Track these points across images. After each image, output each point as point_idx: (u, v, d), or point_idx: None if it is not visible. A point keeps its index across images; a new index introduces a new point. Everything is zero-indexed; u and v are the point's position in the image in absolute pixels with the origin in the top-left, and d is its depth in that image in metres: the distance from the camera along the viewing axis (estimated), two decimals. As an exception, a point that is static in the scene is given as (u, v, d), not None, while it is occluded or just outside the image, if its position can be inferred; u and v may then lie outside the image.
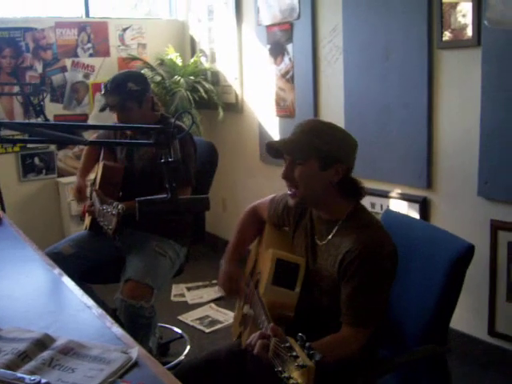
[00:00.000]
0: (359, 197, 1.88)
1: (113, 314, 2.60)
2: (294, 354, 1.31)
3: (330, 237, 1.85)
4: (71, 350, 1.44)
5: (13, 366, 1.34)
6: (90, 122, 4.89)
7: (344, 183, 1.83)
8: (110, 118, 3.02)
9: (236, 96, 4.79)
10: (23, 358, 1.38)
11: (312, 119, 1.94)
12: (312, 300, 1.84)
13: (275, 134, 4.36)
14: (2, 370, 1.12)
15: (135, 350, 1.43)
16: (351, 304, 1.74)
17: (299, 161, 1.81)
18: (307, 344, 1.33)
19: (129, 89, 2.86)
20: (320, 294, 1.85)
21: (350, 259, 1.73)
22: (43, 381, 1.06)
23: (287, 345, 1.36)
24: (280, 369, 1.35)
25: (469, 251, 1.83)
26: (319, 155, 1.78)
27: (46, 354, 1.40)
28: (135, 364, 1.39)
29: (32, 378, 1.06)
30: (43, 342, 1.46)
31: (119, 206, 2.39)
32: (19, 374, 1.08)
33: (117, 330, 1.61)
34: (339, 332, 1.75)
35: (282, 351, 1.36)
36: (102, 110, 2.95)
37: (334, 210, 1.86)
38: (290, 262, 1.83)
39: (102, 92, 2.90)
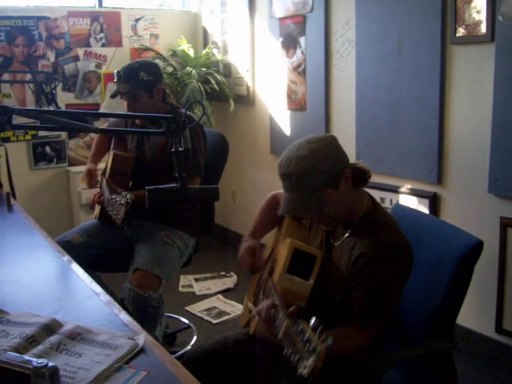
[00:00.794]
0: (366, 183, 1.86)
1: (120, 303, 2.62)
2: (306, 337, 1.31)
3: (344, 236, 1.85)
4: (78, 335, 1.45)
5: (21, 349, 1.35)
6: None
7: (358, 178, 1.82)
8: (122, 108, 3.02)
9: (247, 88, 4.79)
10: (31, 341, 1.40)
11: (288, 164, 1.76)
12: (325, 295, 1.84)
13: (286, 127, 4.35)
14: (10, 353, 1.13)
15: (142, 337, 1.44)
16: (361, 306, 1.74)
17: (317, 205, 1.78)
18: (320, 327, 1.32)
19: (141, 78, 2.86)
20: (333, 291, 1.85)
21: (362, 262, 1.73)
22: (50, 364, 1.06)
23: (300, 328, 1.36)
24: (289, 351, 1.35)
25: (477, 247, 1.83)
26: (327, 183, 1.75)
27: (53, 339, 1.41)
28: (141, 350, 1.40)
29: (39, 361, 1.06)
30: (51, 327, 1.47)
31: (128, 196, 2.39)
32: (27, 357, 1.09)
33: (124, 316, 1.62)
34: (349, 327, 1.76)
35: (294, 334, 1.36)
36: (113, 96, 2.96)
37: (351, 210, 1.83)
38: (307, 252, 1.83)
39: (115, 79, 2.90)
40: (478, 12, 2.87)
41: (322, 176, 1.73)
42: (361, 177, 1.83)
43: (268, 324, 1.63)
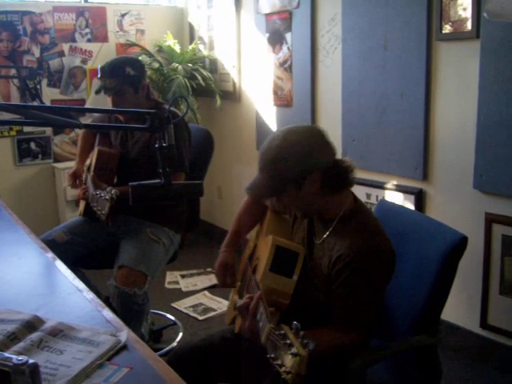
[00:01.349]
0: (349, 186, 1.82)
1: (106, 301, 2.60)
2: (288, 341, 1.31)
3: (325, 235, 1.82)
4: (60, 332, 1.44)
5: (1, 346, 1.34)
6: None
7: (327, 184, 1.75)
8: (107, 104, 3.00)
9: (234, 84, 4.78)
10: (12, 338, 1.38)
11: (265, 148, 1.77)
12: (308, 293, 1.83)
13: (272, 123, 4.35)
14: (-11, 350, 1.12)
15: (124, 333, 1.43)
16: (342, 309, 1.73)
17: (275, 195, 1.81)
18: (302, 333, 1.32)
19: (127, 73, 2.85)
20: (316, 289, 1.83)
21: (342, 265, 1.71)
22: (30, 361, 1.05)
23: (281, 332, 1.35)
24: (273, 355, 1.35)
25: (462, 242, 1.83)
26: (288, 182, 1.73)
27: (34, 336, 1.40)
28: (124, 347, 1.39)
29: (19, 359, 1.05)
30: (32, 324, 1.46)
31: (112, 191, 2.38)
32: (7, 354, 1.07)
33: (107, 313, 1.61)
34: (330, 328, 1.75)
35: (276, 338, 1.36)
36: (98, 92, 2.94)
37: (330, 209, 1.81)
38: (290, 249, 1.82)
39: (99, 75, 2.88)
40: (463, 9, 2.88)
41: (283, 171, 1.71)
42: (337, 182, 1.77)
43: (250, 328, 1.62)
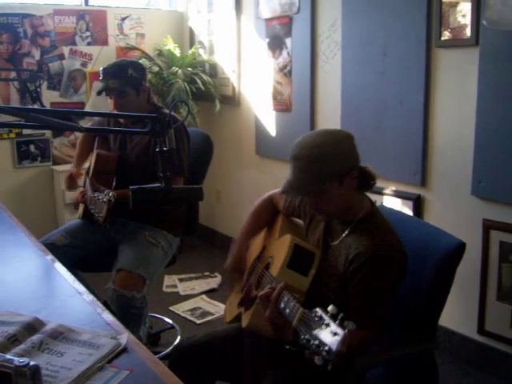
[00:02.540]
0: (371, 188, 1.88)
1: (104, 304, 2.60)
2: (326, 322, 1.31)
3: (342, 236, 1.86)
4: (61, 335, 1.44)
5: (2, 348, 1.35)
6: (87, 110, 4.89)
7: (362, 182, 1.84)
8: (107, 108, 3.01)
9: (233, 89, 4.79)
10: (13, 340, 1.39)
11: (302, 147, 1.80)
12: (319, 293, 1.85)
13: (271, 128, 4.36)
14: (-10, 352, 1.13)
15: (124, 336, 1.44)
16: (357, 306, 1.75)
17: (318, 194, 1.81)
18: (341, 314, 1.33)
19: (129, 74, 2.86)
20: (327, 289, 1.86)
21: (359, 262, 1.74)
22: (32, 363, 1.06)
23: (318, 314, 1.36)
24: (307, 337, 1.35)
25: (459, 248, 1.84)
26: (331, 178, 1.77)
27: (35, 338, 1.41)
28: (124, 350, 1.39)
29: (21, 361, 1.06)
30: (33, 326, 1.46)
31: (110, 194, 2.39)
32: (8, 356, 1.08)
33: (107, 316, 1.62)
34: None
35: (312, 319, 1.36)
36: (100, 92, 2.94)
37: (352, 211, 1.86)
38: (306, 249, 1.86)
39: (101, 76, 2.88)
40: (463, 16, 2.90)
41: (330, 167, 1.76)
42: (366, 181, 1.85)
43: (271, 317, 1.64)
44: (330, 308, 1.36)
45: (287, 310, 1.57)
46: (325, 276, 1.86)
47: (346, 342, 1.26)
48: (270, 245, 2.07)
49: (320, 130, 1.91)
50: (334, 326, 1.29)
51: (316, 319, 1.35)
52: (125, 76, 2.85)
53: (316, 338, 1.32)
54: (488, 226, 2.96)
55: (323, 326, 1.31)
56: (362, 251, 1.75)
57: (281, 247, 1.89)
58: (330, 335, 1.28)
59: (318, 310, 1.38)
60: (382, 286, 1.74)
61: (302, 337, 1.37)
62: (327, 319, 1.32)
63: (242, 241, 2.23)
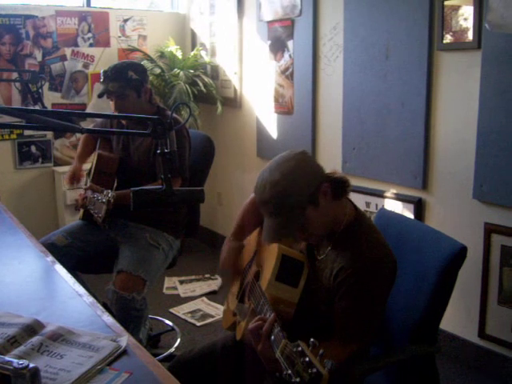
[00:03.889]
0: (349, 190, 1.81)
1: (103, 307, 2.60)
2: (307, 360, 1.29)
3: (327, 250, 1.82)
4: (60, 337, 1.44)
5: (1, 350, 1.34)
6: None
7: (336, 190, 1.76)
8: (109, 109, 3.01)
9: (235, 91, 4.79)
10: (12, 342, 1.39)
11: (263, 189, 1.72)
12: (310, 305, 1.83)
13: (273, 131, 4.36)
14: (-10, 354, 1.12)
15: (124, 339, 1.43)
16: (343, 322, 1.72)
17: (299, 226, 1.75)
18: (321, 351, 1.29)
19: (129, 77, 2.86)
20: (317, 301, 1.83)
21: (343, 277, 1.70)
22: (31, 365, 1.06)
23: (299, 349, 1.32)
24: (289, 372, 1.33)
25: (461, 252, 1.83)
26: (305, 205, 1.71)
27: (35, 340, 1.40)
28: (124, 352, 1.39)
29: (20, 363, 1.05)
30: (33, 328, 1.46)
31: (109, 194, 2.39)
32: (7, 358, 1.08)
33: (107, 318, 1.61)
34: (331, 341, 1.74)
35: (293, 355, 1.34)
36: (101, 95, 2.94)
37: (334, 222, 1.80)
38: (295, 258, 1.81)
39: (101, 78, 2.88)
40: (465, 19, 2.89)
41: (299, 196, 1.69)
42: (339, 188, 1.77)
43: (263, 352, 1.58)
44: (311, 342, 1.32)
45: (272, 337, 1.52)
46: (314, 287, 1.83)
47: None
48: (261, 250, 2.03)
49: (273, 162, 1.78)
50: (315, 366, 1.26)
51: (297, 355, 1.32)
52: (125, 78, 2.85)
53: (297, 375, 1.29)
54: (489, 230, 2.95)
55: (305, 364, 1.28)
56: (345, 265, 1.71)
57: (269, 256, 1.85)
58: (311, 376, 1.26)
59: (299, 344, 1.34)
60: (368, 300, 1.70)
61: (285, 371, 1.35)
62: (309, 357, 1.29)
63: (233, 237, 2.21)
